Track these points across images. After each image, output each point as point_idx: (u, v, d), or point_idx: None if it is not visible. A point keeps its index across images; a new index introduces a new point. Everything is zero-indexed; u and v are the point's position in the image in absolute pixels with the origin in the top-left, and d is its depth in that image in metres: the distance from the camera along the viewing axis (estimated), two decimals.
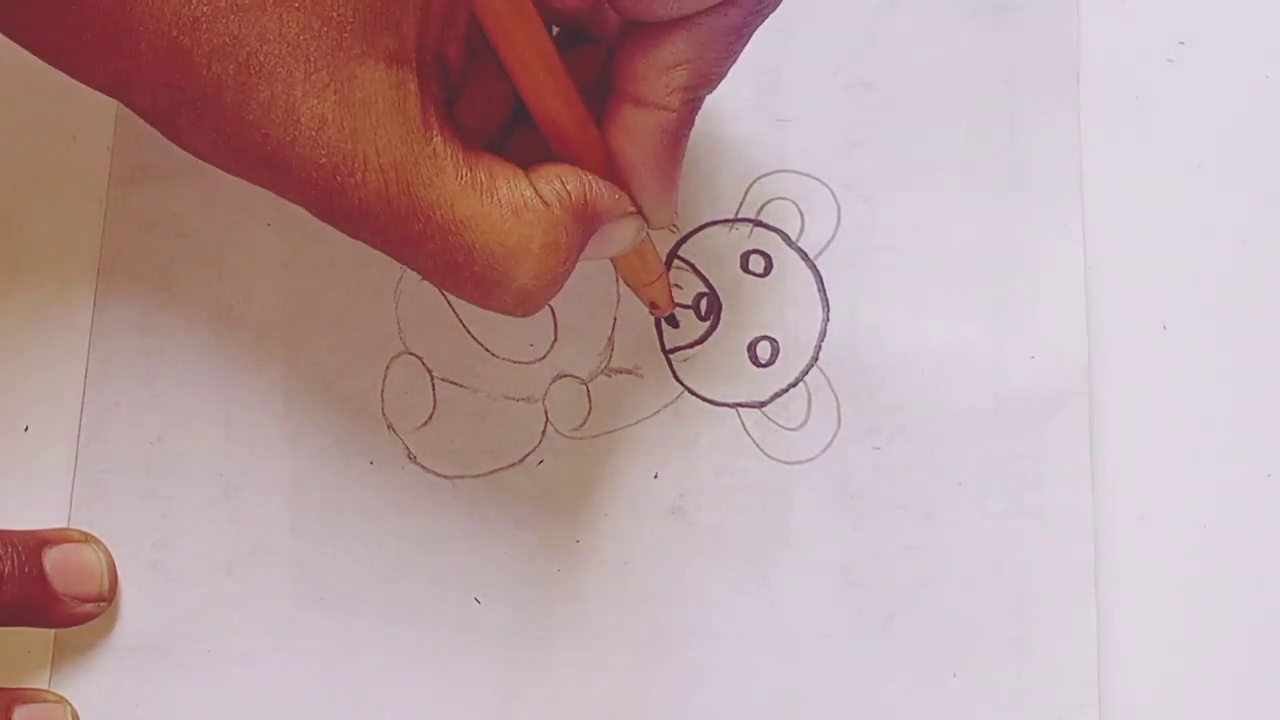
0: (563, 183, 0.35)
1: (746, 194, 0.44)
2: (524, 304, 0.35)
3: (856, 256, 0.44)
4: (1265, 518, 0.43)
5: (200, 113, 0.33)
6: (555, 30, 0.38)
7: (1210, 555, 0.43)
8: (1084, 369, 0.43)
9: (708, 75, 0.36)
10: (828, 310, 0.44)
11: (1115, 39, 0.45)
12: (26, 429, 0.43)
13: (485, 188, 0.34)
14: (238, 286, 0.44)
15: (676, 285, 0.44)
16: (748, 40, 0.36)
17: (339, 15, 0.32)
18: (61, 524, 0.43)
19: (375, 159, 0.33)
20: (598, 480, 0.43)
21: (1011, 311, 0.44)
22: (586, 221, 0.36)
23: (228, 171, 0.35)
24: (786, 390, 0.44)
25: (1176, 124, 0.45)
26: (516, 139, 0.38)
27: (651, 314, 0.43)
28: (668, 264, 0.44)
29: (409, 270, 0.44)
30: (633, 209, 0.37)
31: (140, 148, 0.44)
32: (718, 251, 0.44)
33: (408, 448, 0.43)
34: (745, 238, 0.44)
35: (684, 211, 0.44)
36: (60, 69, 0.35)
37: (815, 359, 0.44)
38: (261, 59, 0.32)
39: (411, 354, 0.44)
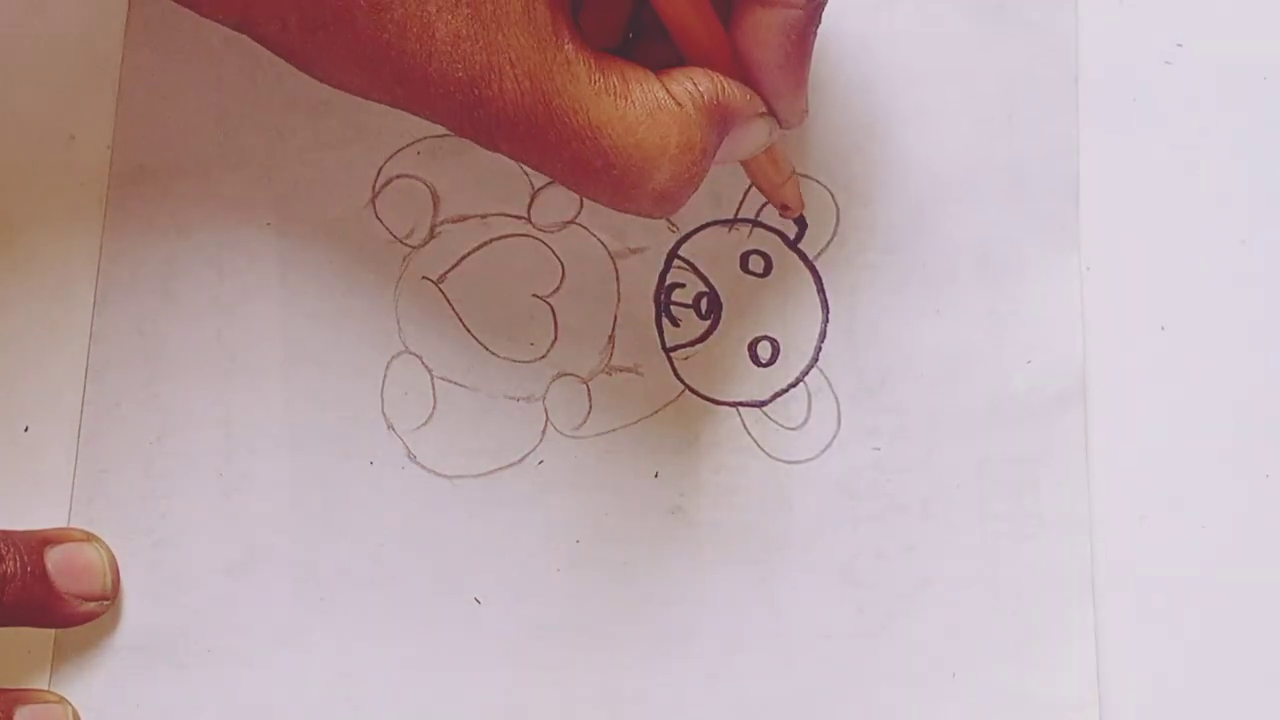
0: (694, 84, 0.36)
1: (746, 194, 0.44)
2: (661, 204, 0.36)
3: (855, 258, 0.44)
4: (1264, 518, 0.43)
5: (333, 35, 0.34)
6: None
7: (1209, 556, 0.43)
8: (1081, 371, 0.43)
9: None
10: (827, 311, 0.44)
11: (1113, 40, 0.45)
12: (26, 429, 0.43)
13: (619, 91, 0.35)
14: (237, 287, 0.44)
15: (678, 284, 0.44)
16: None
17: None
18: (62, 524, 0.43)
19: (510, 69, 0.34)
20: (598, 480, 0.43)
21: (1010, 313, 0.44)
22: (720, 121, 0.36)
23: (359, 93, 0.36)
24: (787, 390, 0.44)
25: (1174, 125, 0.45)
26: (638, 49, 0.38)
27: (782, 216, 0.43)
28: (666, 263, 0.44)
29: (409, 270, 0.44)
30: (764, 109, 0.38)
31: (140, 148, 0.44)
32: (718, 251, 0.44)
33: (408, 448, 0.43)
34: (745, 238, 0.44)
35: (684, 212, 0.44)
36: (187, 5, 0.36)
37: (815, 359, 0.44)
38: None
39: (411, 354, 0.44)
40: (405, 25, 0.33)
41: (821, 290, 0.44)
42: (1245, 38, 0.45)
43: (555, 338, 0.44)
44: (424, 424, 0.43)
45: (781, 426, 0.43)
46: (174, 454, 0.43)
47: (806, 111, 0.39)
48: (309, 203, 0.44)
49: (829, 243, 0.44)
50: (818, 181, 0.45)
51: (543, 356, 0.44)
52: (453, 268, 0.44)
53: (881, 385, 0.43)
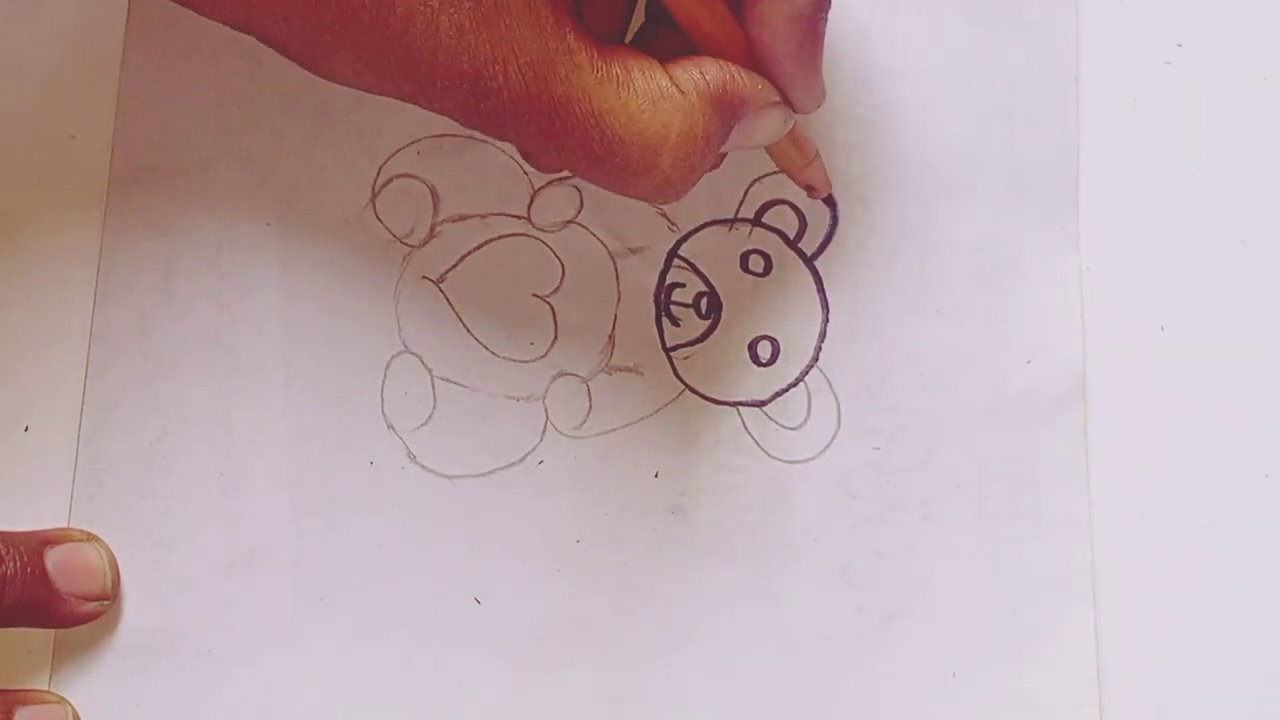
0: (701, 72, 0.36)
1: (746, 194, 0.44)
2: (664, 191, 0.36)
3: (855, 258, 0.44)
4: (1264, 518, 0.43)
5: (339, 33, 0.34)
6: None
7: (1208, 556, 0.43)
8: (1081, 372, 0.43)
9: None
10: (827, 311, 0.44)
11: (1113, 41, 0.45)
12: (26, 429, 0.43)
13: (621, 80, 0.35)
14: (238, 286, 0.44)
15: (678, 284, 0.44)
16: None
17: None
18: (62, 524, 0.43)
19: (514, 59, 0.34)
20: (598, 480, 0.43)
21: (1009, 313, 0.44)
22: (727, 109, 0.36)
23: (366, 89, 0.36)
24: (787, 390, 0.44)
25: (1174, 126, 0.45)
26: (653, 37, 0.38)
27: (810, 197, 0.43)
28: (666, 263, 0.44)
29: (409, 270, 0.44)
30: (777, 98, 0.38)
31: (140, 148, 0.44)
32: (718, 251, 0.44)
33: (408, 448, 0.43)
34: (745, 238, 0.44)
35: (684, 211, 0.44)
36: (190, 7, 0.36)
37: (815, 359, 0.44)
38: None
39: (411, 354, 0.44)
40: (409, 20, 0.34)
41: (821, 290, 0.44)
42: (1245, 38, 0.45)
43: (555, 338, 0.44)
44: (424, 424, 0.43)
45: (781, 426, 0.43)
46: (174, 454, 0.43)
47: (824, 95, 0.39)
48: (309, 203, 0.44)
49: (829, 242, 0.44)
50: None
51: (543, 356, 0.44)
52: (453, 268, 0.44)
53: (881, 385, 0.43)
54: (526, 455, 0.43)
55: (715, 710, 0.42)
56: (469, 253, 0.44)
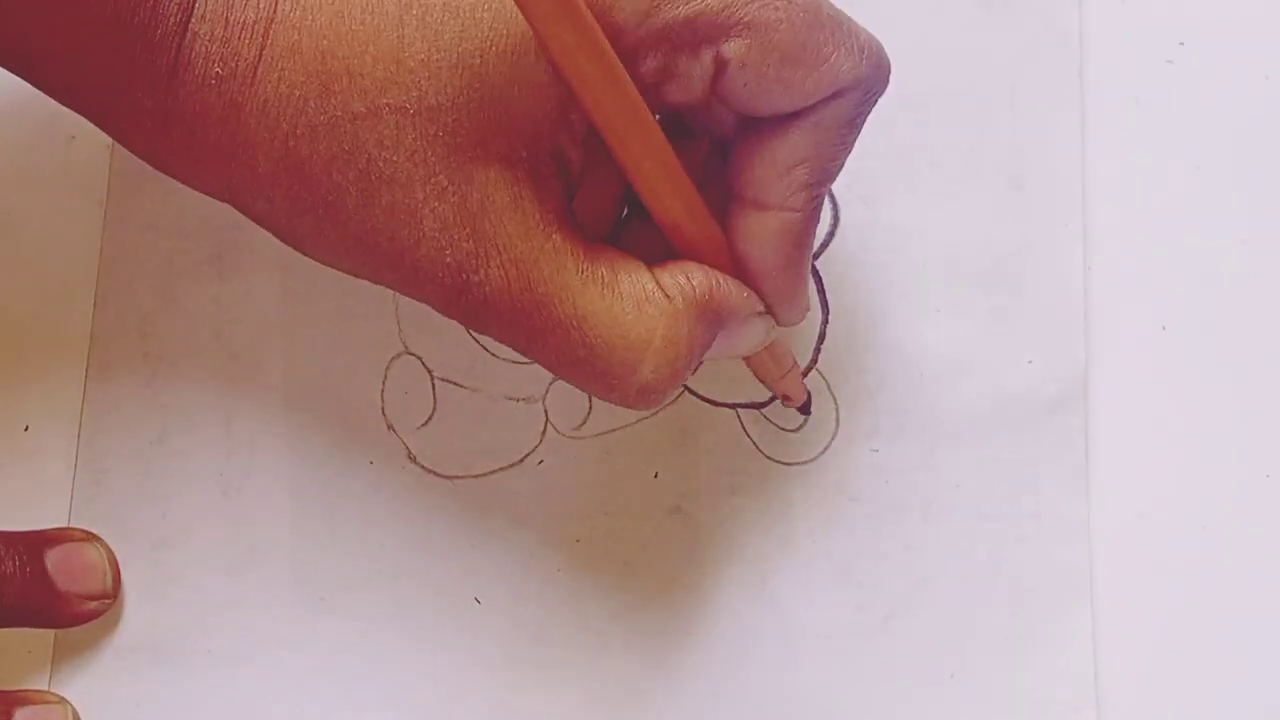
0: (688, 278, 0.35)
1: None
2: (645, 398, 0.35)
3: (856, 258, 0.44)
4: (1264, 518, 0.43)
5: (321, 220, 0.34)
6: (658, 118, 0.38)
7: (1209, 556, 0.43)
8: (1082, 372, 0.43)
9: (827, 170, 0.36)
10: (827, 312, 0.44)
11: (1116, 39, 0.45)
12: (26, 429, 0.43)
13: (606, 282, 0.34)
14: (238, 286, 0.44)
15: None
16: (859, 131, 0.36)
17: (453, 121, 0.33)
18: (62, 524, 0.43)
19: (497, 256, 0.33)
20: (598, 480, 0.43)
21: (1010, 314, 0.44)
22: (712, 318, 0.36)
23: (349, 273, 0.36)
24: None
25: (1177, 124, 0.45)
26: (635, 231, 0.38)
27: (785, 405, 0.43)
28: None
29: None
30: (761, 308, 0.37)
31: None
32: None
33: (408, 448, 0.43)
34: None
35: None
36: (172, 177, 0.36)
37: (814, 360, 0.44)
38: (381, 165, 0.33)
39: (411, 354, 0.44)
40: (393, 212, 0.33)
41: (822, 291, 0.44)
42: (1248, 37, 0.45)
43: None
44: (424, 424, 0.43)
45: (781, 428, 0.43)
46: (174, 454, 0.43)
47: (807, 309, 0.39)
48: None
49: (829, 242, 0.44)
50: None
51: None
52: None
53: (881, 386, 0.43)
54: (526, 455, 0.43)
55: (715, 710, 0.42)
56: None
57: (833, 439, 0.43)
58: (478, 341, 0.44)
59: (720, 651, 0.42)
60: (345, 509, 0.43)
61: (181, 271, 0.44)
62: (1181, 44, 0.45)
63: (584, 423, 0.43)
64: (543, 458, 0.43)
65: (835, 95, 0.35)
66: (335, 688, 0.42)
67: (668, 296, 0.35)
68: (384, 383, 0.44)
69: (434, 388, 0.44)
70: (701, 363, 0.36)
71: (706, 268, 0.36)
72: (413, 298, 0.35)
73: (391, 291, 0.43)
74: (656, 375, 0.35)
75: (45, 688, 0.42)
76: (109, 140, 0.44)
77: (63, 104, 0.36)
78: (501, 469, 0.43)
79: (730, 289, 0.36)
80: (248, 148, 0.34)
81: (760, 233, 0.36)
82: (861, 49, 0.35)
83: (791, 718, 0.42)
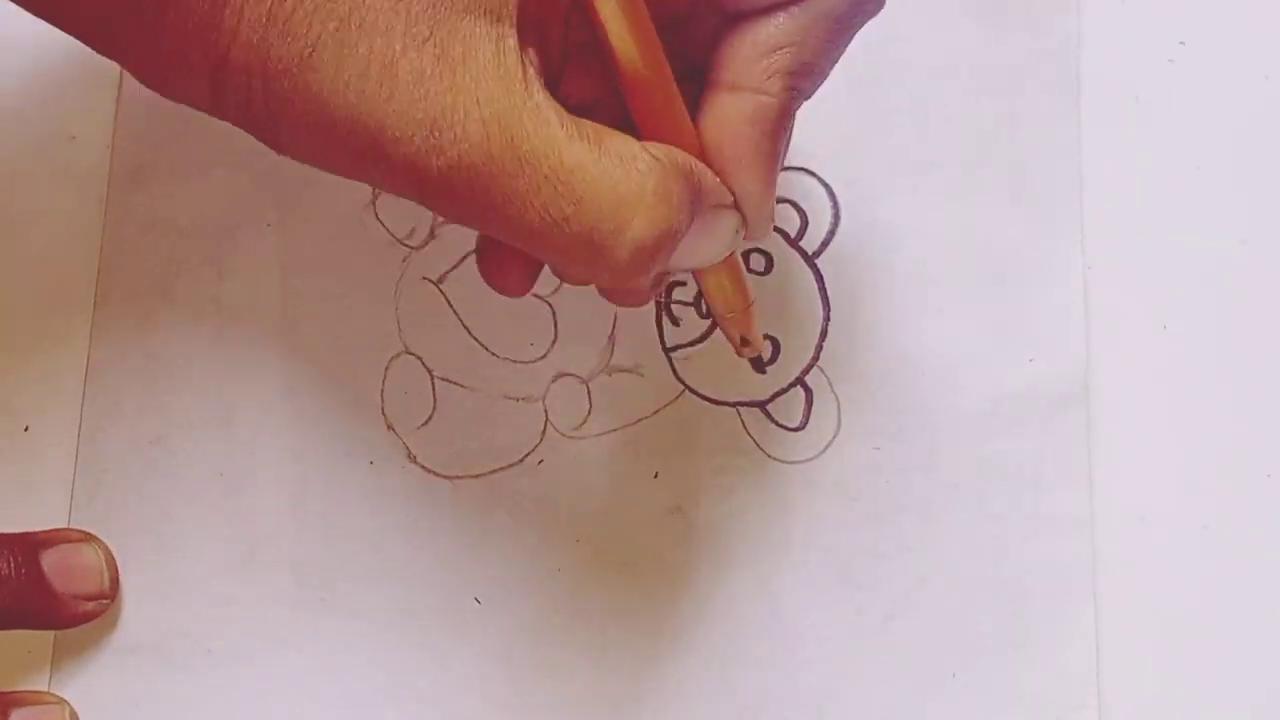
0: (668, 150, 0.34)
1: None
2: (637, 259, 0.33)
3: (857, 256, 0.44)
4: (1265, 518, 0.43)
5: (296, 82, 0.32)
6: None
7: (1210, 556, 0.43)
8: (1083, 371, 0.43)
9: (810, 65, 0.35)
10: (828, 310, 0.44)
11: (1116, 39, 0.45)
12: (26, 429, 0.43)
13: (593, 138, 0.33)
14: (238, 286, 0.44)
15: (679, 282, 0.44)
16: (851, 36, 0.35)
17: None
18: (62, 524, 0.43)
19: (476, 111, 0.32)
20: (598, 480, 0.43)
21: (1011, 312, 0.44)
22: (694, 188, 0.34)
23: (318, 160, 0.34)
24: (787, 390, 0.44)
25: (1177, 124, 0.45)
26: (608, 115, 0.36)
27: (740, 354, 0.41)
28: None
29: (409, 270, 0.44)
30: (730, 200, 0.36)
31: (140, 148, 0.44)
32: None
33: (408, 448, 0.43)
34: None
35: None
36: (159, 79, 0.34)
37: (816, 359, 0.44)
38: (362, 13, 0.32)
39: (411, 354, 0.44)
40: (369, 63, 0.32)
41: (823, 289, 0.44)
42: (1248, 37, 0.45)
43: (555, 338, 0.44)
44: (424, 424, 0.43)
45: (781, 426, 0.43)
46: (174, 454, 0.43)
47: (773, 220, 0.37)
48: (309, 203, 0.44)
49: (830, 241, 0.44)
50: (820, 179, 0.45)
51: (543, 356, 0.44)
52: (453, 268, 0.44)
53: (882, 385, 0.43)
54: (526, 455, 0.43)
55: (715, 710, 0.42)
56: (469, 253, 0.44)
57: (833, 438, 0.43)
58: (478, 341, 0.44)
59: (720, 651, 0.42)
60: (345, 509, 0.43)
61: (181, 271, 0.44)
62: (1182, 44, 0.45)
63: (584, 423, 0.43)
64: (543, 458, 0.43)
65: None
66: (335, 688, 0.42)
67: (654, 156, 0.33)
68: (384, 383, 0.44)
69: (434, 388, 0.44)
70: (664, 275, 0.35)
71: (683, 150, 0.34)
72: (378, 180, 0.34)
73: (391, 291, 0.44)
74: (650, 230, 0.33)
75: (45, 688, 0.42)
76: (109, 140, 0.44)
77: (54, 23, 0.35)
78: (501, 469, 0.43)
79: (705, 170, 0.35)
80: (234, 10, 0.32)
81: (731, 116, 0.35)
82: None
83: (791, 718, 0.42)
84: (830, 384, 0.43)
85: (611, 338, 0.44)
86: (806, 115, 0.42)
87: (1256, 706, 0.42)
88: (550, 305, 0.44)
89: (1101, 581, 0.42)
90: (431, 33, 0.32)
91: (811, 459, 0.43)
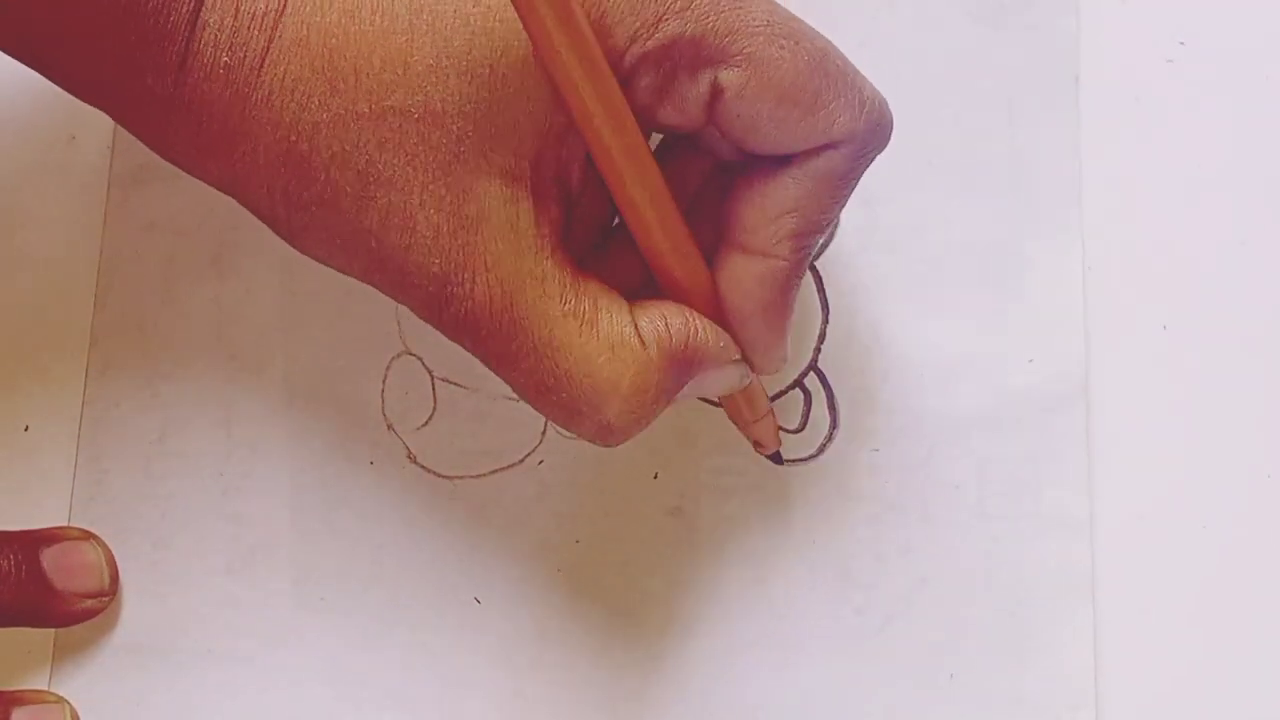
0: (666, 323, 0.35)
1: None
2: (607, 436, 0.35)
3: (856, 258, 0.44)
4: (1265, 518, 0.43)
5: (316, 216, 0.34)
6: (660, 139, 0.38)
7: (1209, 556, 0.43)
8: (1082, 372, 0.43)
9: (816, 222, 0.36)
10: (827, 311, 0.44)
11: (1115, 39, 0.45)
12: (26, 429, 0.43)
13: (586, 318, 0.34)
14: (238, 286, 0.44)
15: None
16: (854, 187, 0.36)
17: (458, 129, 0.33)
18: (62, 523, 0.43)
19: (485, 273, 0.33)
20: (598, 480, 0.43)
21: (1010, 313, 0.44)
22: (685, 365, 0.35)
23: (340, 270, 0.36)
24: (786, 391, 0.44)
25: (1176, 124, 0.45)
26: (622, 246, 0.37)
27: (757, 452, 0.43)
28: None
29: None
30: (737, 356, 0.37)
31: (140, 148, 0.44)
32: None
33: (408, 448, 0.43)
34: None
35: None
36: (176, 165, 0.36)
37: (814, 360, 0.44)
38: (380, 167, 0.33)
39: (411, 354, 0.44)
40: (388, 215, 0.33)
41: (822, 290, 0.44)
42: (1247, 37, 0.45)
43: None
44: (424, 424, 0.43)
45: (780, 428, 0.43)
46: (174, 454, 0.43)
47: (786, 359, 0.38)
48: None
49: (829, 243, 0.44)
50: None
51: None
52: None
53: (881, 386, 0.43)
54: (526, 455, 0.43)
55: (715, 710, 0.42)
56: None
57: (832, 439, 0.43)
58: None
59: (720, 651, 0.42)
60: (345, 509, 0.43)
61: (181, 271, 0.44)
62: (1182, 43, 0.45)
63: None
64: (543, 458, 0.43)
65: (830, 146, 0.35)
66: (335, 687, 0.42)
67: (643, 343, 0.35)
68: (384, 383, 0.44)
69: (434, 388, 0.44)
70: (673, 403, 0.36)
71: (686, 310, 0.36)
72: (397, 300, 0.35)
73: None
74: (620, 420, 0.35)
75: (45, 687, 0.42)
76: (109, 140, 0.44)
77: (71, 92, 0.36)
78: (501, 469, 0.43)
79: (707, 336, 0.36)
80: (250, 139, 0.34)
81: (743, 278, 0.36)
82: (863, 103, 0.35)
83: (791, 718, 0.42)
84: (829, 385, 0.43)
85: None
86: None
87: (1256, 706, 0.42)
88: None
89: (1101, 582, 0.42)
90: (448, 192, 0.33)
91: (810, 460, 0.43)
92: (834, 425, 0.43)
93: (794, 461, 0.43)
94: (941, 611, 0.42)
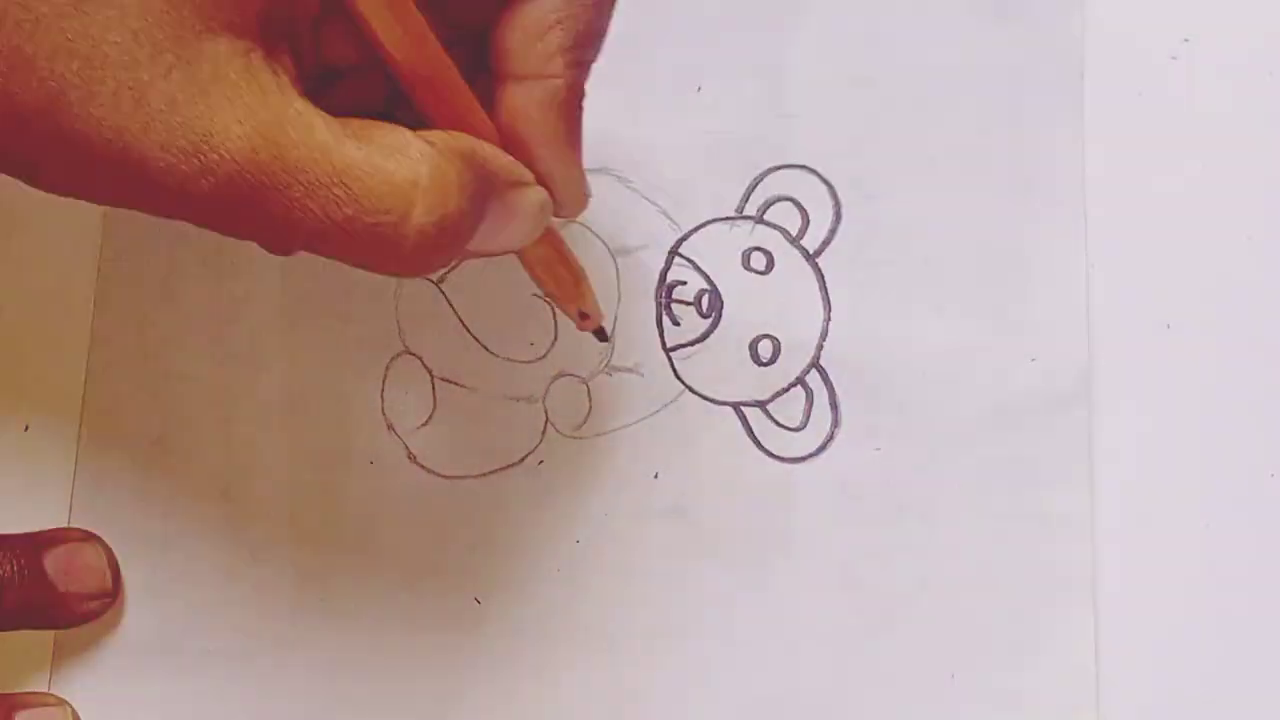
0: (448, 135, 0.33)
1: (748, 191, 0.44)
2: (423, 249, 0.32)
3: (858, 255, 0.44)
4: (1267, 518, 0.43)
5: (47, 123, 0.32)
6: None
7: (1210, 556, 0.42)
8: (1085, 371, 0.43)
9: (584, 32, 0.34)
10: (829, 309, 0.44)
11: (1119, 35, 0.45)
12: (26, 429, 0.43)
13: (361, 135, 0.32)
14: (238, 286, 0.44)
15: (679, 282, 0.44)
16: None
17: None
18: (62, 524, 0.43)
19: (238, 128, 0.31)
20: (598, 480, 0.43)
21: (1013, 312, 0.43)
22: (479, 169, 0.33)
23: (90, 199, 0.33)
24: (787, 389, 0.43)
25: (1180, 121, 0.45)
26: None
27: (581, 329, 0.41)
28: (667, 260, 0.44)
29: None
30: (531, 177, 0.35)
31: None
32: (719, 248, 0.44)
33: (408, 448, 0.43)
34: (747, 235, 0.44)
35: (685, 208, 0.44)
36: None
37: (816, 358, 0.44)
38: (105, 49, 0.31)
39: (411, 354, 0.44)
40: (118, 96, 0.31)
41: (824, 288, 0.44)
42: (1252, 33, 0.45)
43: (555, 338, 0.44)
44: (424, 424, 0.43)
45: (782, 426, 0.43)
46: (174, 454, 0.43)
47: (588, 193, 0.37)
48: None
49: (832, 240, 0.44)
50: (821, 177, 0.44)
51: (543, 356, 0.44)
52: (453, 268, 0.44)
53: (883, 384, 0.43)
54: (526, 455, 0.43)
55: (715, 710, 0.42)
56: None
57: (834, 438, 0.43)
58: (478, 341, 0.44)
59: (720, 651, 0.42)
60: (345, 509, 0.43)
61: (181, 271, 0.44)
62: (1186, 40, 0.45)
63: (584, 423, 0.43)
64: (543, 458, 0.43)
65: None
66: (335, 688, 0.42)
67: (428, 142, 0.33)
68: (384, 383, 0.44)
69: (434, 388, 0.44)
70: (475, 235, 0.34)
71: (469, 135, 0.34)
72: (151, 209, 0.33)
73: (391, 291, 0.44)
74: (430, 217, 0.32)
75: (45, 689, 0.42)
76: None
77: None
78: (501, 469, 0.43)
79: (495, 151, 0.34)
80: None
81: (523, 105, 0.35)
82: None
83: (791, 718, 0.42)
84: (831, 383, 0.43)
85: (611, 337, 0.44)
86: (809, 113, 0.42)
87: (1256, 706, 0.42)
88: (550, 305, 0.44)
89: (1101, 582, 0.42)
90: (177, 59, 0.31)
91: (812, 459, 0.43)
92: (835, 423, 0.43)
93: (795, 460, 0.43)
94: (943, 611, 0.42)
